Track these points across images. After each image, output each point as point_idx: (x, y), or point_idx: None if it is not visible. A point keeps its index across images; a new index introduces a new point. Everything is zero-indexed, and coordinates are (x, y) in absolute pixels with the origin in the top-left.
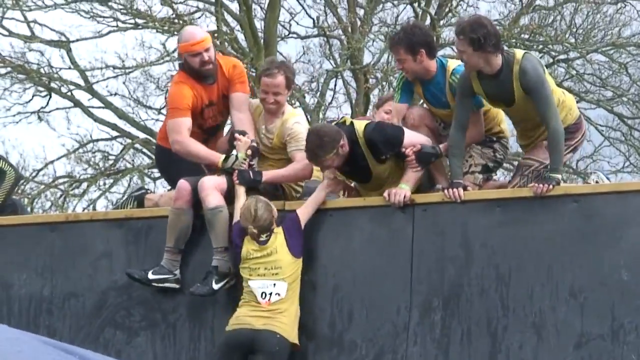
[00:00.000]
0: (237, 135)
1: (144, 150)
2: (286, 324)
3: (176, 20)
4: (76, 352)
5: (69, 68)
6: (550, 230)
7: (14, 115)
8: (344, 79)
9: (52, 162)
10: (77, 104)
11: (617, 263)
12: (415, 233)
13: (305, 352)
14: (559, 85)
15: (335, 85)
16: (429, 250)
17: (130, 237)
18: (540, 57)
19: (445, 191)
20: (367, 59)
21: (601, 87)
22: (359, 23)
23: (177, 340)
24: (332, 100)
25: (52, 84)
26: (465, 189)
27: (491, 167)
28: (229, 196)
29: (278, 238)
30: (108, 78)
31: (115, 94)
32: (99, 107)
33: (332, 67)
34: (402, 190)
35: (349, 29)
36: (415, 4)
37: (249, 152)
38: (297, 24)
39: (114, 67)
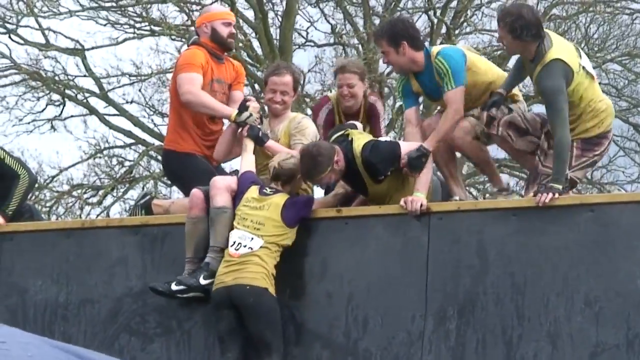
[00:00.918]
0: (249, 97)
1: (159, 157)
2: (255, 273)
3: (192, 27)
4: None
5: (84, 76)
6: (566, 240)
7: (27, 124)
8: None
9: (66, 168)
10: (92, 111)
11: (633, 273)
12: (430, 241)
13: None
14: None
15: None
16: (445, 259)
17: (146, 244)
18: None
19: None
20: (382, 67)
21: (617, 97)
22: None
23: (192, 347)
24: None
25: (67, 92)
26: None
27: (524, 127)
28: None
29: (278, 199)
30: (123, 85)
31: (132, 101)
32: (114, 115)
33: None
34: (419, 199)
35: (365, 38)
36: (431, 12)
37: (259, 115)
38: (316, 29)
39: (130, 75)
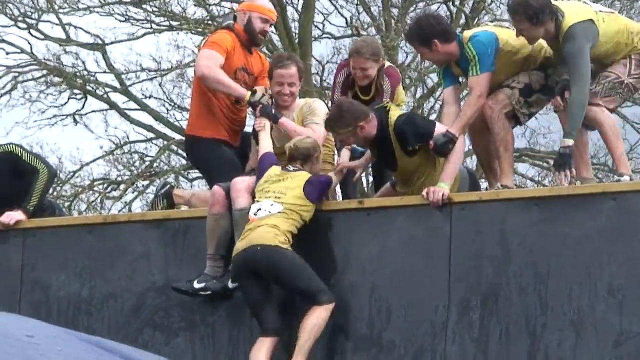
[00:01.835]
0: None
1: (180, 151)
2: (265, 233)
3: (210, 22)
4: (116, 350)
5: (105, 72)
6: (588, 229)
7: (49, 119)
8: None
9: (88, 164)
10: (113, 106)
11: None
12: (453, 232)
13: (344, 353)
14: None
15: None
16: (467, 249)
17: (169, 238)
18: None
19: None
20: (401, 58)
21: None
22: (393, 22)
23: (216, 341)
24: None
25: (88, 87)
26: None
27: (536, 89)
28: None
29: (302, 175)
30: (143, 80)
31: (151, 96)
32: (135, 110)
33: None
34: (441, 189)
35: (383, 28)
36: (450, 3)
37: (269, 95)
38: (330, 23)
39: (149, 70)
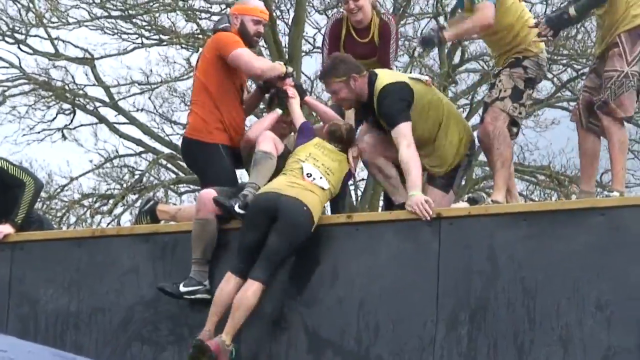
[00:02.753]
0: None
1: (169, 165)
2: (317, 203)
3: (200, 36)
4: None
5: (94, 85)
6: (576, 244)
7: (38, 133)
8: None
9: (77, 177)
10: (102, 120)
11: None
12: (441, 246)
13: None
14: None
15: None
16: (455, 264)
17: (157, 252)
18: (564, 71)
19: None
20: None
21: None
22: None
23: None
24: None
25: (77, 101)
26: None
27: (522, 88)
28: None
29: (344, 162)
30: (133, 94)
31: (142, 109)
32: (124, 123)
33: None
34: (417, 198)
35: None
36: (440, 18)
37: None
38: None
39: (139, 83)
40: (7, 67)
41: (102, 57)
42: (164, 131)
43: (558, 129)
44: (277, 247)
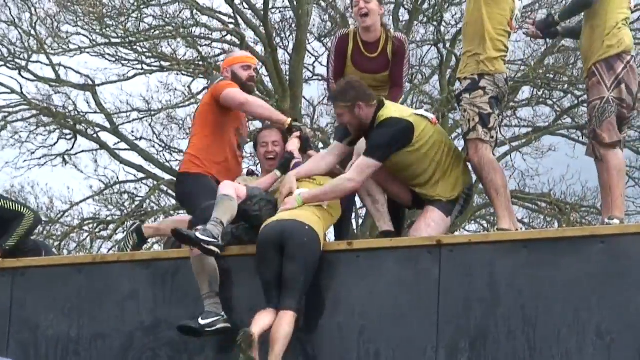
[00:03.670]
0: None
1: (169, 191)
2: (317, 221)
3: (201, 63)
4: None
5: (95, 112)
6: (576, 271)
7: (39, 158)
8: None
9: (77, 203)
10: (103, 146)
11: None
12: (442, 274)
13: None
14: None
15: None
16: (456, 291)
17: (157, 278)
18: (564, 98)
19: None
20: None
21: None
22: None
23: None
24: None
25: (78, 127)
26: None
27: (488, 110)
28: None
29: None
30: (133, 120)
31: (141, 138)
32: (125, 149)
33: None
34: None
35: None
36: (440, 45)
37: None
38: (321, 64)
39: (139, 110)
40: (9, 93)
41: (103, 84)
42: (164, 157)
43: (558, 155)
44: (294, 272)
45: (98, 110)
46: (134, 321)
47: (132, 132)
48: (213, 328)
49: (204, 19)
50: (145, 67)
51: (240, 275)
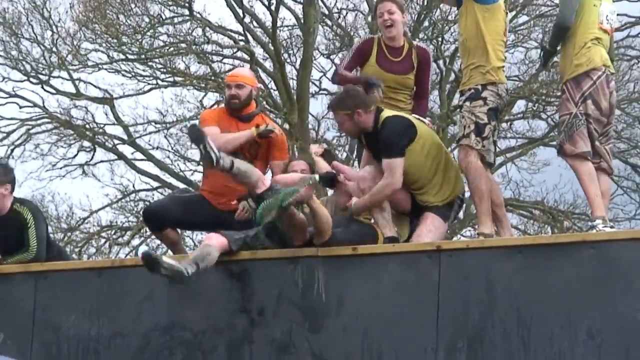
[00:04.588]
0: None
1: None
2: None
3: (212, 78)
4: None
5: (113, 124)
6: (569, 275)
7: (60, 168)
8: None
9: (96, 211)
10: (120, 156)
11: (633, 306)
12: (441, 278)
13: None
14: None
15: None
16: (454, 294)
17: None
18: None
19: None
20: None
21: (616, 139)
22: None
23: None
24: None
25: (97, 139)
26: None
27: (485, 121)
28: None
29: None
30: (150, 132)
31: (157, 147)
32: (141, 160)
33: None
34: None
35: None
36: (439, 61)
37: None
38: (328, 79)
39: (155, 122)
40: (32, 107)
41: (120, 97)
42: (178, 167)
43: (551, 165)
44: None
45: (116, 122)
46: (150, 322)
47: (149, 142)
48: (167, 267)
49: (215, 36)
50: (159, 82)
51: (250, 280)
